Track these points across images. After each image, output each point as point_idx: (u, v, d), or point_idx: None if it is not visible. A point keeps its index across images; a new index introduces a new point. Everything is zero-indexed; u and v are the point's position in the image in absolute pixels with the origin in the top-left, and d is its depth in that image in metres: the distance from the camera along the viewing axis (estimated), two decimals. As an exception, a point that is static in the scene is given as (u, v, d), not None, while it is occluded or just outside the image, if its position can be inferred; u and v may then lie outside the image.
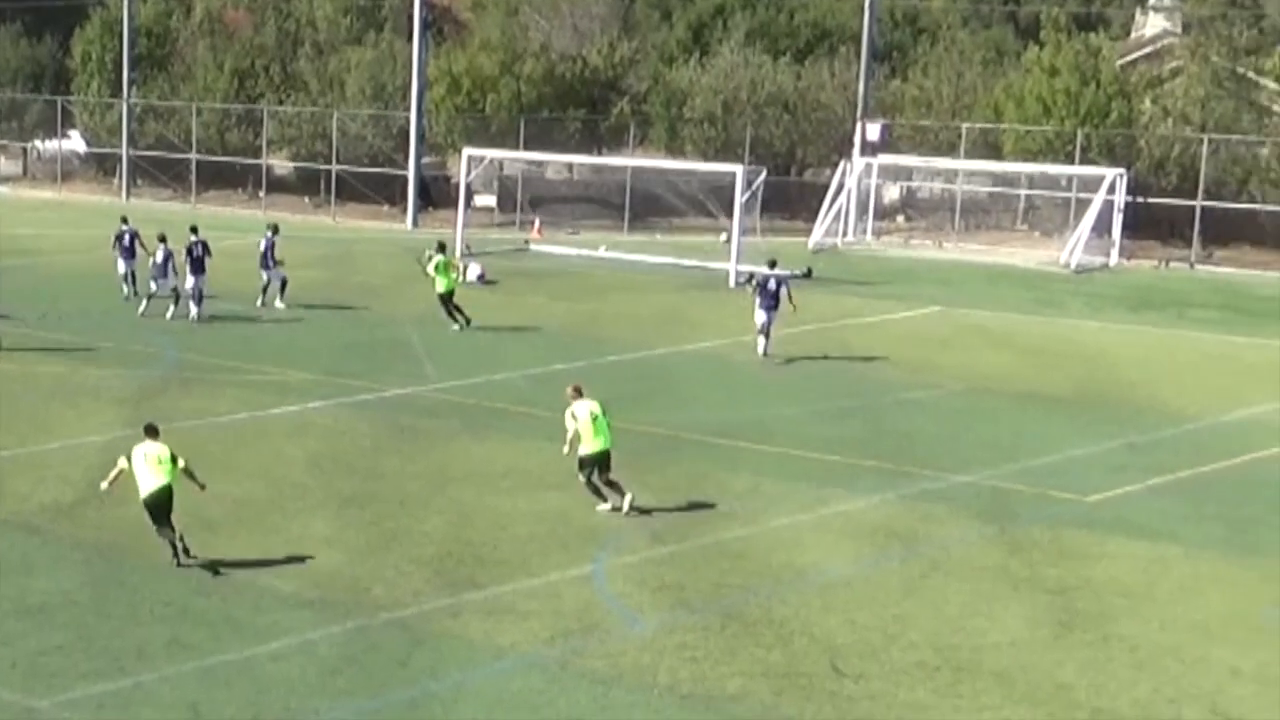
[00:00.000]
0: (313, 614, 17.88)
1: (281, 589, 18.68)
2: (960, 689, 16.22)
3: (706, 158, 64.92)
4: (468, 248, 48.72)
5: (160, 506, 19.18)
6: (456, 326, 37.15)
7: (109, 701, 15.39)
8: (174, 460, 19.29)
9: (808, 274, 48.53)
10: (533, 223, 62.72)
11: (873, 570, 20.19)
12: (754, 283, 35.81)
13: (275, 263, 39.95)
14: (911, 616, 18.32)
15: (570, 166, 69.70)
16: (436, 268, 37.63)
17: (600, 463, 22.04)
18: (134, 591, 18.45)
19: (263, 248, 40.02)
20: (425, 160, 67.44)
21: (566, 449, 22.20)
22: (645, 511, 22.19)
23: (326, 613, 17.91)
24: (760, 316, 34.95)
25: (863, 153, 61.18)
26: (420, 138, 65.42)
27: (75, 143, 79.17)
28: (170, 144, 73.23)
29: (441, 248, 38.68)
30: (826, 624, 17.96)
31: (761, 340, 34.86)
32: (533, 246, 56.77)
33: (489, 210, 66.85)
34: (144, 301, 38.02)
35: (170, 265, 37.97)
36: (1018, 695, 16.12)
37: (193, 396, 29.30)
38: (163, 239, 38.52)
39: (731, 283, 45.29)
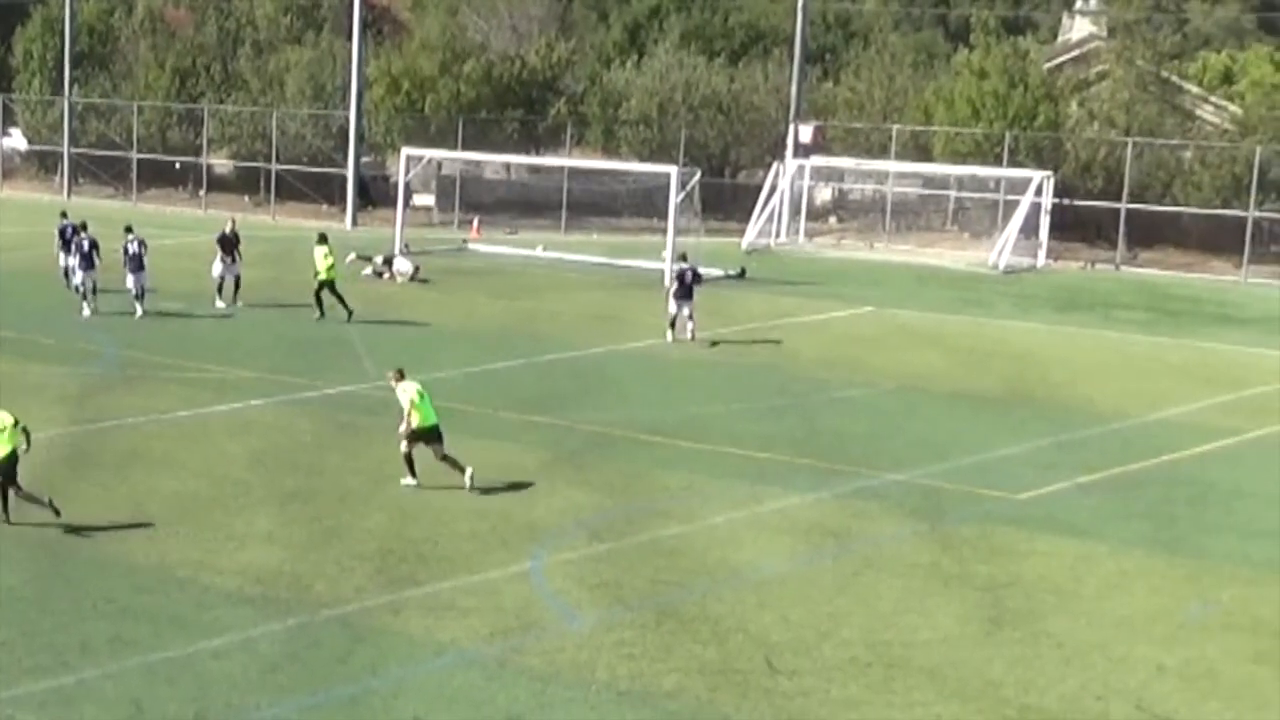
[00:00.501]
0: (254, 610, 17.97)
1: (223, 585, 18.75)
2: (892, 685, 16.43)
3: (642, 159, 65.16)
4: (406, 246, 48.84)
5: (8, 473, 20.48)
6: (319, 316, 38.15)
7: (52, 698, 15.42)
8: (15, 424, 20.60)
9: (741, 274, 48.89)
10: (471, 222, 62.87)
11: (807, 567, 20.41)
12: (671, 282, 36.80)
13: (236, 255, 40.25)
14: (844, 613, 18.52)
15: (508, 166, 69.86)
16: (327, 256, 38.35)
17: (430, 437, 23.04)
18: (78, 587, 18.50)
19: (227, 231, 40.34)
20: (364, 160, 67.41)
21: (404, 427, 23.08)
22: (482, 491, 22.69)
23: (268, 609, 18.00)
24: (673, 306, 36.46)
25: (795, 154, 61.53)
26: (359, 137, 65.37)
27: (16, 140, 78.48)
28: (111, 142, 72.81)
29: (323, 239, 38.92)
30: (761, 621, 18.15)
31: (670, 332, 36.47)
32: (471, 246, 56.89)
33: (428, 209, 66.88)
34: (84, 306, 37.81)
35: (95, 253, 37.92)
36: (948, 692, 16.33)
37: (135, 394, 29.26)
38: (83, 226, 38.60)
39: (667, 281, 45.51)
